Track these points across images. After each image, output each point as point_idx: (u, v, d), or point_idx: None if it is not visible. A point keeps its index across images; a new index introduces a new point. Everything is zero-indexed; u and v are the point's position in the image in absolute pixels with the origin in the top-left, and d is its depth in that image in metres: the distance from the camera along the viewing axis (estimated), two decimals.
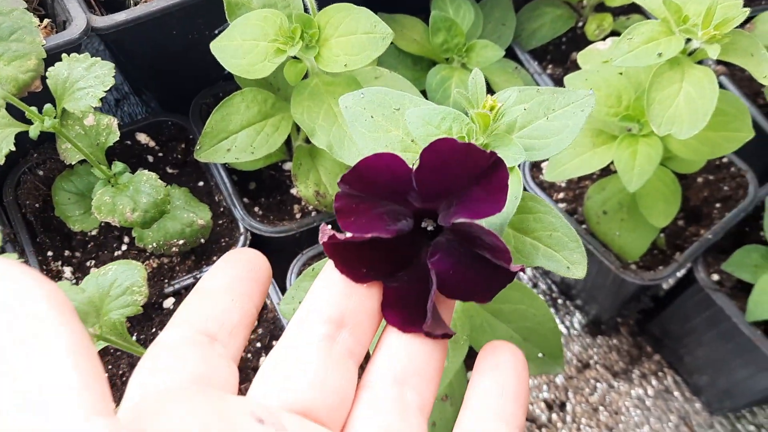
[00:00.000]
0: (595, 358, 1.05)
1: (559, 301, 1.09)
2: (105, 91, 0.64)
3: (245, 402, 0.29)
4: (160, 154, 0.90)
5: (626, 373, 1.04)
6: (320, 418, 0.33)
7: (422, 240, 0.44)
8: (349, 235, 0.42)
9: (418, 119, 0.57)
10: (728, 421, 1.01)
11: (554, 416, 1.00)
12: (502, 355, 0.40)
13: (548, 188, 0.93)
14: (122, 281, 0.60)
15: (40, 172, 0.86)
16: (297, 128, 0.85)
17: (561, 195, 0.93)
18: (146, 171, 0.74)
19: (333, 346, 0.36)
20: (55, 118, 0.66)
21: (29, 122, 0.67)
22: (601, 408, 1.01)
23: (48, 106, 0.67)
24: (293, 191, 0.91)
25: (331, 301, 0.39)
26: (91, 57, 0.69)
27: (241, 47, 0.73)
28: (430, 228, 0.44)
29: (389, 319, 0.42)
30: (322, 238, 0.43)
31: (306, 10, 0.75)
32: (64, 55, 0.67)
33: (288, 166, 0.93)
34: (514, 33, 0.99)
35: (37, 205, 0.84)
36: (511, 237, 0.60)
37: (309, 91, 0.76)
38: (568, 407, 1.01)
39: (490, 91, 0.95)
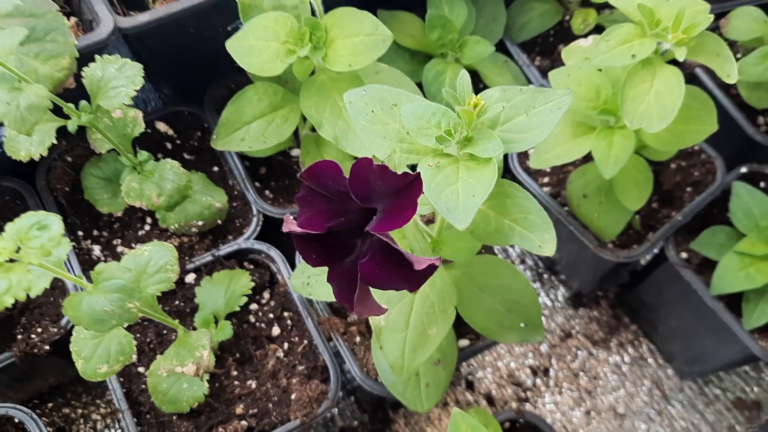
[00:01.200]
0: (576, 329, 1.14)
1: (545, 275, 1.17)
2: (136, 90, 0.72)
3: None
4: (178, 142, 0.98)
5: (605, 342, 1.13)
6: None
7: (364, 234, 0.55)
8: (299, 230, 0.54)
9: (411, 115, 0.65)
10: (697, 385, 1.11)
11: (538, 381, 1.09)
12: None
13: (534, 173, 1.01)
14: (157, 261, 0.68)
15: (69, 159, 0.93)
16: (304, 118, 0.93)
17: (546, 179, 1.01)
18: (169, 159, 0.82)
19: None
20: (90, 114, 0.74)
21: (66, 117, 0.75)
22: (581, 374, 1.10)
23: (84, 103, 0.75)
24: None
25: None
26: (110, 52, 0.77)
27: (254, 47, 0.81)
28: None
29: (334, 293, 0.55)
30: (284, 227, 0.55)
31: (313, 12, 0.82)
32: (97, 56, 0.74)
33: (295, 152, 1.01)
34: (504, 27, 1.06)
35: (66, 189, 0.92)
36: (492, 219, 0.68)
37: (316, 87, 0.84)
38: (551, 373, 1.10)
39: (482, 83, 1.03)
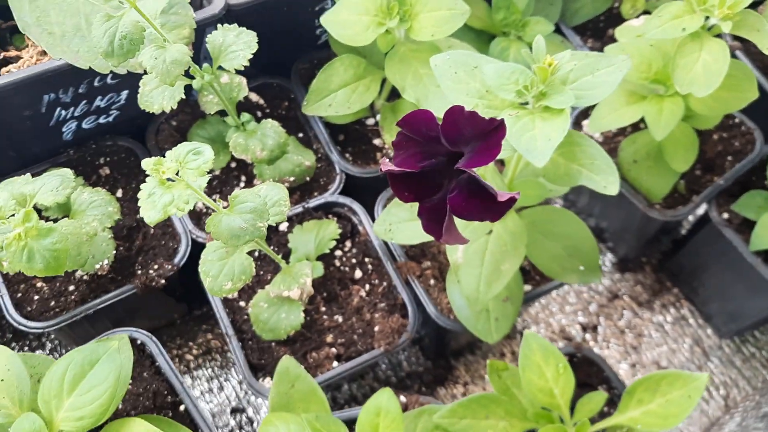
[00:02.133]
0: (622, 291, 1.23)
1: None
2: (252, 54, 0.83)
3: None
4: (268, 110, 1.10)
5: (649, 303, 1.22)
6: None
7: (451, 173, 0.66)
8: (396, 170, 0.66)
9: (493, 73, 0.76)
10: (734, 344, 1.19)
11: (587, 336, 1.19)
12: None
13: None
14: (272, 196, 0.79)
15: (174, 123, 1.06)
16: (380, 88, 1.04)
17: None
18: (270, 119, 0.94)
19: None
20: (211, 74, 0.86)
21: (190, 77, 0.87)
22: (627, 331, 1.20)
23: (206, 65, 0.86)
24: (375, 142, 1.10)
25: None
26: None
27: (347, 20, 0.92)
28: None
29: (423, 226, 0.66)
30: (382, 168, 0.66)
31: None
32: (218, 25, 0.86)
33: (370, 122, 1.12)
34: (560, 11, 1.17)
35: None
36: (561, 164, 0.79)
37: (399, 57, 0.95)
38: (600, 330, 1.20)
39: None
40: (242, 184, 1.05)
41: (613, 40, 1.04)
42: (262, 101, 1.10)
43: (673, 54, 0.88)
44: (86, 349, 0.75)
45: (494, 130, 0.65)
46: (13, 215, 0.64)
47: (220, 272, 0.78)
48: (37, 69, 0.86)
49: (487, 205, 0.66)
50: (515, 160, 0.81)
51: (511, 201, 0.65)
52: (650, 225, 1.11)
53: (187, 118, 1.06)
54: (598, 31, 1.22)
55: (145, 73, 0.83)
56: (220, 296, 0.77)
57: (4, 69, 0.90)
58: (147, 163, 0.69)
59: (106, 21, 0.73)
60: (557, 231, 0.89)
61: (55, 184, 0.67)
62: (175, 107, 0.85)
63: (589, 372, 0.95)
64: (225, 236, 0.71)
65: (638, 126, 1.05)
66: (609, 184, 0.75)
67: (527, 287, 0.97)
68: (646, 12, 1.18)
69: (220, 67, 0.86)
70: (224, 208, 0.75)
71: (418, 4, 0.91)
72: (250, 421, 1.09)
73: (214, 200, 1.03)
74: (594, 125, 0.96)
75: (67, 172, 0.68)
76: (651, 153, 1.02)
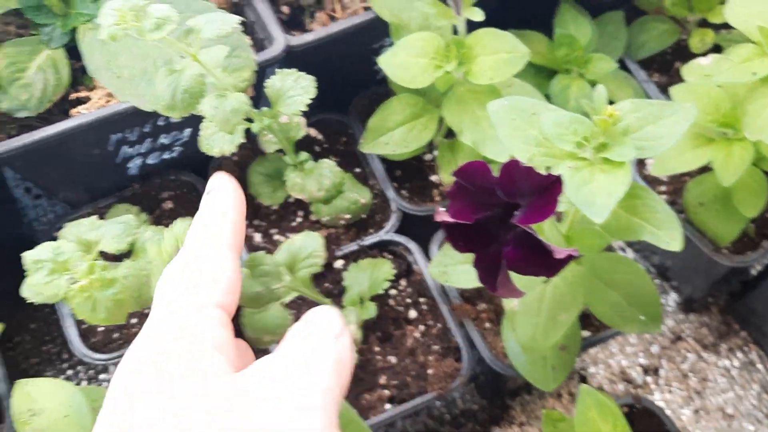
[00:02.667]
0: (687, 332, 1.19)
1: (656, 281, 1.23)
2: (310, 99, 0.84)
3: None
4: (326, 145, 1.11)
5: (714, 347, 1.18)
6: None
7: (507, 226, 0.65)
8: (451, 220, 0.65)
9: (552, 122, 0.75)
10: None
11: (649, 379, 1.15)
12: None
13: (652, 182, 1.08)
14: (306, 248, 0.80)
15: (235, 158, 1.08)
16: (438, 127, 1.03)
17: (663, 188, 1.08)
18: (326, 159, 0.95)
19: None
20: (271, 118, 0.87)
21: (249, 120, 0.89)
22: (690, 374, 1.15)
23: (265, 108, 0.88)
24: (432, 178, 1.10)
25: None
26: (278, 67, 0.90)
27: (405, 62, 0.92)
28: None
29: (478, 276, 0.64)
30: (437, 217, 0.66)
31: (455, 32, 0.93)
32: (277, 70, 0.87)
33: (427, 157, 1.11)
34: (624, 45, 1.14)
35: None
36: (622, 216, 0.77)
37: (456, 98, 0.94)
38: (662, 372, 1.16)
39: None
40: (299, 219, 1.06)
41: (680, 74, 1.01)
42: (320, 136, 1.11)
43: (743, 98, 0.85)
44: None
45: (551, 185, 0.63)
46: (78, 264, 0.67)
47: (258, 326, 0.79)
48: (105, 112, 0.90)
49: (543, 261, 0.65)
50: (574, 209, 0.79)
51: (569, 258, 0.64)
52: (717, 267, 1.07)
53: (247, 153, 1.07)
54: (665, 65, 1.18)
55: None
56: (260, 347, 0.78)
57: (74, 110, 0.93)
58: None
59: (168, 75, 0.75)
60: (617, 279, 0.87)
61: (118, 231, 0.69)
62: (235, 151, 0.86)
63: (649, 424, 0.92)
64: (245, 300, 0.72)
65: (706, 166, 1.01)
66: (672, 240, 0.73)
67: (585, 333, 0.95)
68: (717, 46, 1.14)
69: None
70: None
71: (477, 46, 0.90)
72: None
73: (272, 236, 1.05)
74: (659, 169, 0.94)
75: (130, 219, 0.70)
76: (718, 196, 0.99)
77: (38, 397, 0.77)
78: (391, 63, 0.93)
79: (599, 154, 0.72)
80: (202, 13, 0.78)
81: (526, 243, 0.66)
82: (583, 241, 0.81)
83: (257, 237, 1.04)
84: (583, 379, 1.15)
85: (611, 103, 0.72)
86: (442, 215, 0.68)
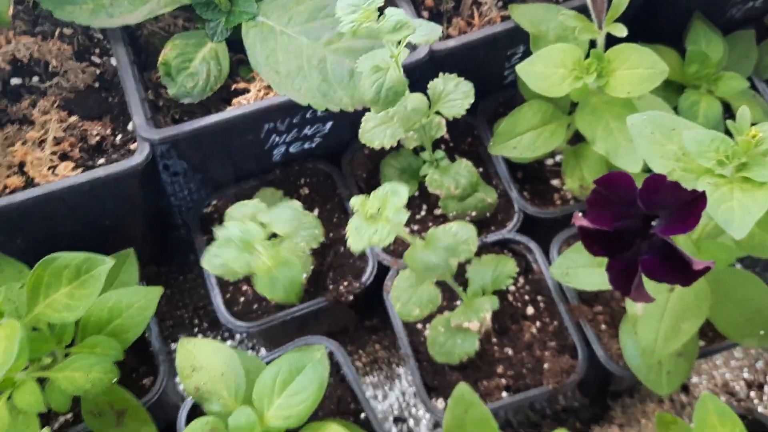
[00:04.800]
0: None
1: None
2: (469, 104, 0.90)
3: None
4: (452, 145, 1.17)
5: None
6: None
7: (644, 235, 0.69)
8: (590, 226, 0.70)
9: (692, 140, 0.78)
10: None
11: (752, 393, 1.17)
12: None
13: None
14: (462, 235, 0.86)
15: (366, 151, 1.15)
16: (565, 134, 1.07)
17: None
18: (463, 159, 1.01)
19: None
20: (426, 118, 0.93)
21: None
22: None
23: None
24: (553, 182, 1.14)
25: None
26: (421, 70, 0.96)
27: (543, 72, 0.97)
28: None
29: (610, 280, 0.69)
30: (575, 222, 0.71)
31: (593, 45, 0.97)
32: (440, 73, 0.93)
33: (549, 162, 1.16)
34: (754, 64, 1.15)
35: (364, 175, 1.14)
36: (757, 234, 0.80)
37: (590, 109, 0.98)
38: (766, 389, 1.17)
39: (728, 113, 1.13)
40: (423, 212, 1.12)
41: None
42: (447, 136, 1.17)
43: None
44: (293, 357, 0.85)
45: (695, 200, 0.68)
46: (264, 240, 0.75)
47: (410, 299, 0.86)
48: (264, 103, 0.98)
49: (680, 271, 0.70)
50: (704, 223, 0.82)
51: (706, 270, 0.68)
52: None
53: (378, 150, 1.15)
54: None
55: (362, 111, 0.93)
56: (407, 320, 0.85)
57: (236, 99, 1.02)
58: (355, 202, 0.79)
59: (373, 74, 0.82)
60: (740, 295, 0.90)
61: (288, 216, 0.77)
62: (394, 145, 0.94)
63: None
64: (419, 269, 0.79)
65: None
66: None
67: (701, 342, 0.98)
68: None
69: (437, 112, 0.94)
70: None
71: (617, 60, 0.94)
72: None
73: None
74: None
75: (298, 205, 0.78)
76: None
77: (198, 355, 0.87)
78: (529, 72, 0.98)
79: (739, 173, 0.75)
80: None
81: (664, 252, 0.70)
82: (713, 254, 0.84)
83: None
84: (685, 389, 1.17)
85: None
86: (581, 220, 0.73)
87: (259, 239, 0.75)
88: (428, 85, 0.92)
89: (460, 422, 0.87)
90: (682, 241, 0.82)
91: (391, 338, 1.22)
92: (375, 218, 0.77)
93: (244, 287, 1.05)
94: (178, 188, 1.33)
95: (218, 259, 0.79)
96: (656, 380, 0.92)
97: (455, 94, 0.90)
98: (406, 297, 0.86)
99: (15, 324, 0.80)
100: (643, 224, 0.72)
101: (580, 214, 0.73)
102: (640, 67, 0.93)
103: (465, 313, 0.92)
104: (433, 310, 0.85)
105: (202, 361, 0.86)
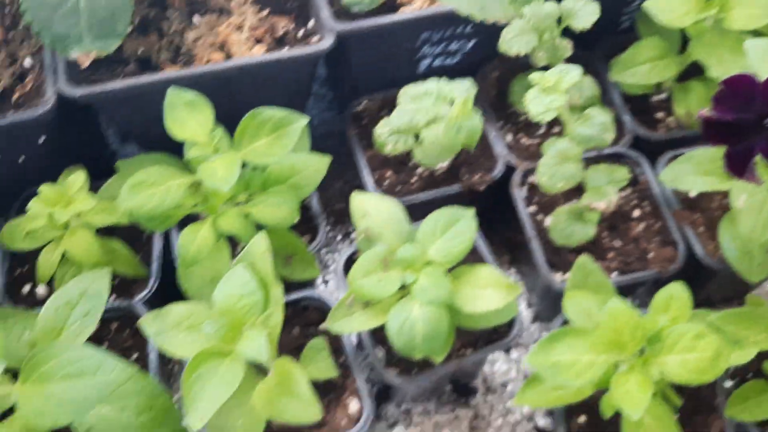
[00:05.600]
0: None
1: None
2: (595, 19, 1.08)
3: None
4: None
5: None
6: None
7: (759, 129, 0.85)
8: (714, 115, 0.86)
9: None
10: None
11: None
12: None
13: None
14: (601, 119, 1.03)
15: (494, 74, 1.32)
16: (676, 69, 1.24)
17: None
18: (587, 76, 1.18)
19: None
20: (558, 29, 1.11)
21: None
22: None
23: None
24: (656, 115, 1.30)
25: None
26: None
27: (669, 6, 1.14)
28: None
29: (726, 165, 0.85)
30: (701, 113, 0.87)
31: None
32: None
33: (654, 99, 1.32)
34: None
35: (493, 93, 1.31)
36: None
37: (705, 41, 1.15)
38: None
39: None
40: (543, 130, 1.29)
41: None
42: None
43: None
44: (448, 212, 1.01)
45: None
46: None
47: (555, 174, 1.03)
48: (429, 11, 1.16)
49: None
50: None
51: None
52: None
53: (506, 72, 1.32)
54: None
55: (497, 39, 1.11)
56: (552, 192, 1.02)
57: (401, 9, 1.20)
58: (534, 76, 0.96)
59: None
60: None
61: (465, 87, 0.95)
62: (529, 52, 1.11)
63: None
64: (578, 139, 0.95)
65: None
66: None
67: None
68: None
69: (566, 28, 1.11)
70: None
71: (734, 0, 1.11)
72: None
73: (519, 139, 1.29)
74: None
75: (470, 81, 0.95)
76: None
77: (367, 204, 1.04)
78: (657, 6, 1.15)
79: None
80: None
81: None
82: None
83: (509, 137, 1.28)
84: None
85: None
86: (705, 113, 0.90)
87: (449, 96, 0.92)
88: (561, 4, 1.09)
89: (582, 284, 1.04)
90: None
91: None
92: (549, 90, 0.94)
93: (389, 173, 1.22)
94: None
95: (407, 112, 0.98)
96: (748, 268, 1.07)
97: (583, 11, 1.08)
98: (551, 172, 1.03)
99: (234, 154, 0.98)
100: (759, 119, 0.89)
101: (705, 109, 0.90)
102: (754, 7, 1.09)
103: (593, 195, 1.09)
104: (573, 185, 1.02)
105: (370, 209, 1.03)
